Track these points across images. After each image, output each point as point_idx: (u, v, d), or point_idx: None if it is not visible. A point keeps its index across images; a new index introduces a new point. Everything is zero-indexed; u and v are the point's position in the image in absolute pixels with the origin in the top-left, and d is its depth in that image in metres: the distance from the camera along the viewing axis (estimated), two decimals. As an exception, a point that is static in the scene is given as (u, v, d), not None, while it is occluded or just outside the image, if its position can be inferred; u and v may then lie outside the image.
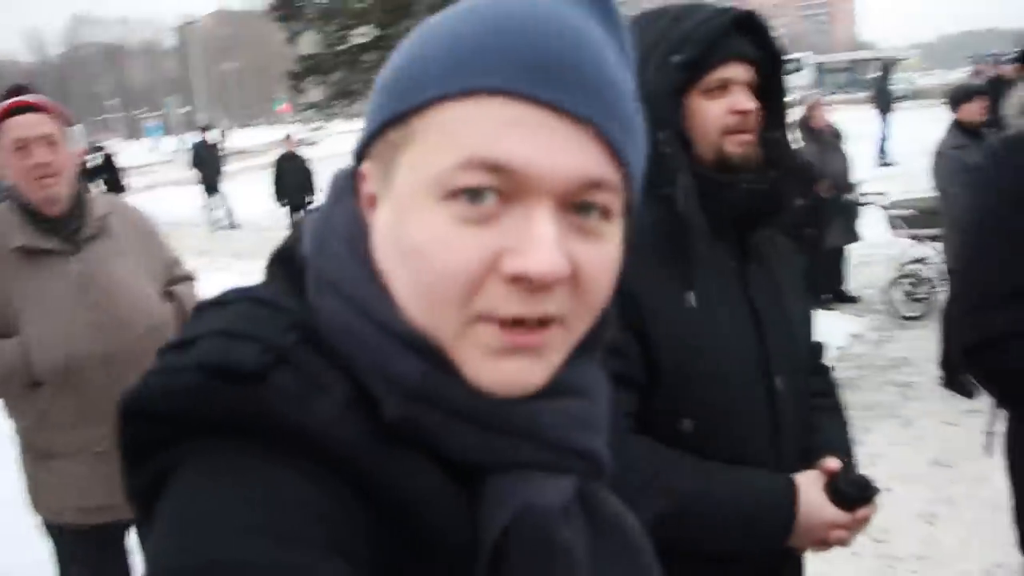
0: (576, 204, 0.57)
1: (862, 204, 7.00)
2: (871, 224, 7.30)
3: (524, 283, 0.55)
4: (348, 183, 0.66)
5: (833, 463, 1.35)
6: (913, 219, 6.58)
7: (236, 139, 51.55)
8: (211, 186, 15.88)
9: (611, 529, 0.67)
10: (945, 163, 4.98)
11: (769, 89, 1.43)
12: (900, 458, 4.46)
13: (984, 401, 4.93)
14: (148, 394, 0.58)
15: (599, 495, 0.67)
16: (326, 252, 0.63)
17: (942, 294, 5.93)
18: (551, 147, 0.56)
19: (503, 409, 0.59)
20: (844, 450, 1.46)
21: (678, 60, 1.32)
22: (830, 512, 1.31)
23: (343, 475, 0.56)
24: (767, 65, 1.40)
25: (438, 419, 0.58)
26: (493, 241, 0.56)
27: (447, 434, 0.58)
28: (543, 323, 0.57)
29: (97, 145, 15.44)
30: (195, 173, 16.19)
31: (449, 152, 0.56)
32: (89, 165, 14.09)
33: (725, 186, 1.37)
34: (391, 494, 0.57)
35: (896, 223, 6.72)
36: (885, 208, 6.85)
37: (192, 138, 23.73)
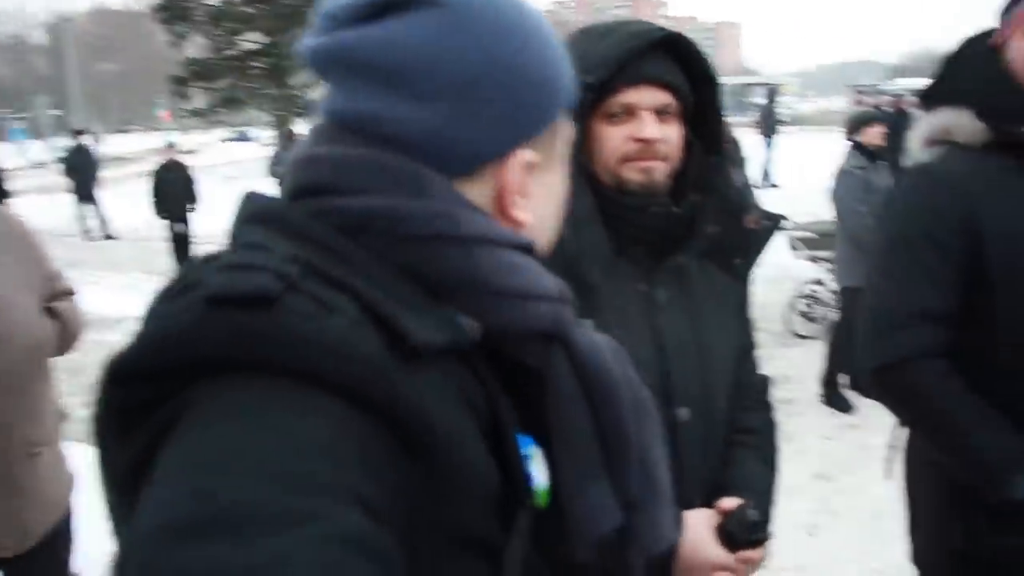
0: None
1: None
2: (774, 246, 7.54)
3: None
4: (417, 170, 0.69)
5: (729, 502, 1.33)
6: (813, 242, 6.86)
7: (112, 145, 49.44)
8: (85, 194, 15.11)
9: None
10: (849, 181, 5.17)
11: (704, 112, 1.41)
12: (783, 471, 4.59)
13: (861, 416, 5.19)
14: (145, 347, 0.57)
15: None
16: (467, 222, 0.69)
17: (833, 314, 6.16)
18: None
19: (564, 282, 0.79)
20: (755, 489, 1.44)
21: (584, 81, 1.27)
22: (714, 552, 1.29)
23: (357, 399, 0.56)
24: (698, 88, 1.38)
25: (565, 307, 0.77)
26: None
27: (570, 314, 0.79)
28: None
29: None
30: (68, 180, 15.36)
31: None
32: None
33: (632, 209, 1.34)
34: (407, 411, 0.58)
35: (796, 245, 6.98)
36: (787, 231, 7.10)
37: (64, 142, 22.60)
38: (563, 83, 0.78)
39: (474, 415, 0.67)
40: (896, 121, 11.45)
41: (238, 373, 0.55)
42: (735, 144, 6.00)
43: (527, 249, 0.74)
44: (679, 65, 1.35)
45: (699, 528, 1.30)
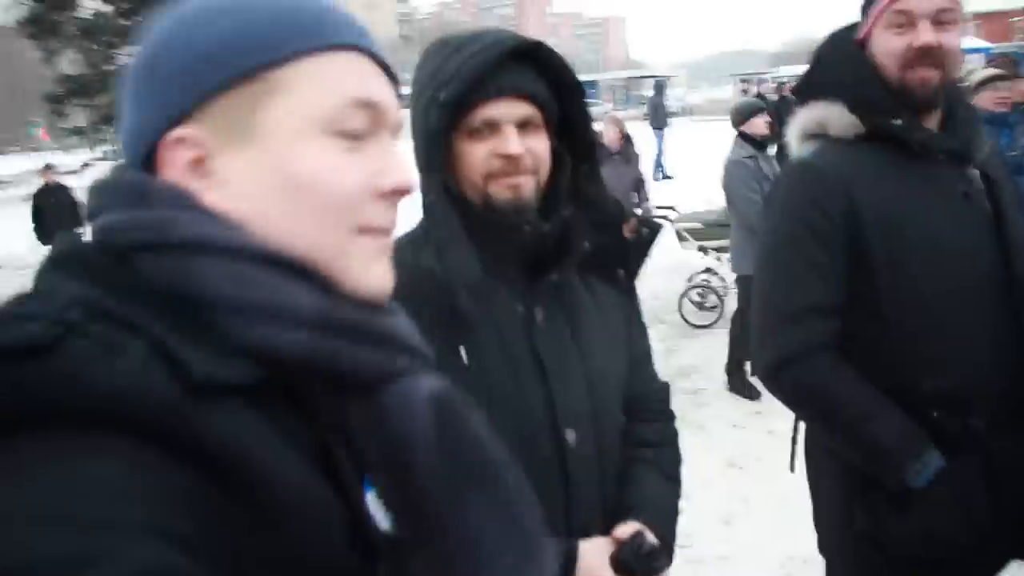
0: None
1: (653, 218, 7.37)
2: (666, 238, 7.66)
3: (398, 195, 0.72)
4: (140, 178, 0.68)
5: (624, 530, 1.29)
6: (699, 232, 6.99)
7: (-12, 168, 47.02)
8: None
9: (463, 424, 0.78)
10: (737, 171, 5.28)
11: (570, 120, 1.35)
12: (696, 463, 4.60)
13: (767, 402, 5.30)
14: None
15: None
16: (181, 224, 0.64)
17: (729, 303, 6.30)
18: (389, 92, 0.74)
19: (381, 325, 0.70)
20: (655, 508, 1.38)
21: (441, 98, 1.22)
22: None
23: (154, 439, 0.54)
24: (563, 96, 1.33)
25: (342, 344, 0.66)
26: (366, 165, 0.70)
27: (349, 356, 0.66)
28: (389, 233, 0.73)
29: None
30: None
31: (332, 94, 0.69)
32: None
33: (502, 228, 1.28)
34: (211, 447, 0.56)
35: (683, 236, 7.10)
36: (672, 222, 7.23)
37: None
38: (236, 49, 0.68)
39: (297, 449, 0.63)
40: (779, 108, 11.97)
41: (17, 430, 0.52)
42: (629, 140, 6.11)
43: (261, 257, 0.65)
44: (540, 73, 1.29)
45: (593, 559, 1.25)
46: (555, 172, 1.34)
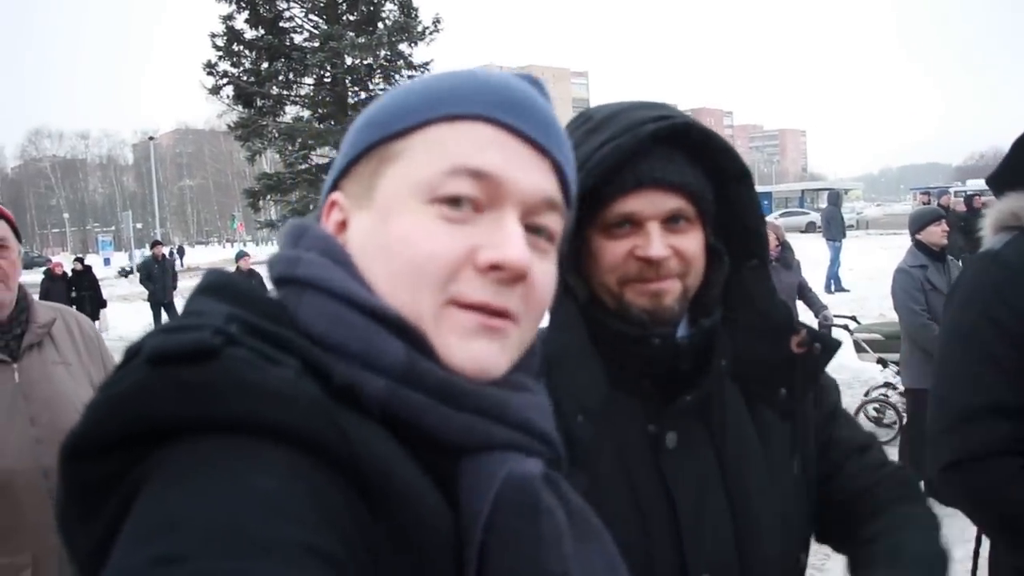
0: (531, 225, 0.70)
1: (832, 327, 7.06)
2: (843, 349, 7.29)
3: (498, 272, 0.67)
4: (306, 223, 0.75)
5: None
6: (879, 343, 6.67)
7: (193, 256, 51.58)
8: (160, 302, 15.72)
9: (579, 511, 0.70)
10: (901, 278, 5.10)
11: (735, 211, 1.16)
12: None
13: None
14: (95, 418, 0.55)
15: (564, 483, 0.71)
16: (303, 264, 0.69)
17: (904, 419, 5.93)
18: (521, 164, 0.70)
19: (476, 391, 0.66)
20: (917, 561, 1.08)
21: None
22: None
23: (309, 447, 0.56)
24: (726, 183, 1.14)
25: (421, 399, 0.63)
26: (469, 238, 0.67)
27: (430, 413, 0.64)
28: (502, 314, 0.67)
29: (77, 256, 15.71)
30: (145, 289, 16.07)
31: (437, 161, 0.68)
32: (60, 272, 14.76)
33: (630, 341, 1.09)
34: (361, 456, 0.58)
35: (862, 347, 6.79)
36: (851, 332, 6.93)
37: (144, 253, 23.61)
38: (372, 123, 0.74)
39: (425, 473, 0.63)
40: (967, 221, 11.34)
41: (187, 434, 0.54)
42: (786, 247, 5.99)
43: (360, 306, 0.66)
44: (693, 159, 1.10)
45: None
46: (709, 272, 1.14)
